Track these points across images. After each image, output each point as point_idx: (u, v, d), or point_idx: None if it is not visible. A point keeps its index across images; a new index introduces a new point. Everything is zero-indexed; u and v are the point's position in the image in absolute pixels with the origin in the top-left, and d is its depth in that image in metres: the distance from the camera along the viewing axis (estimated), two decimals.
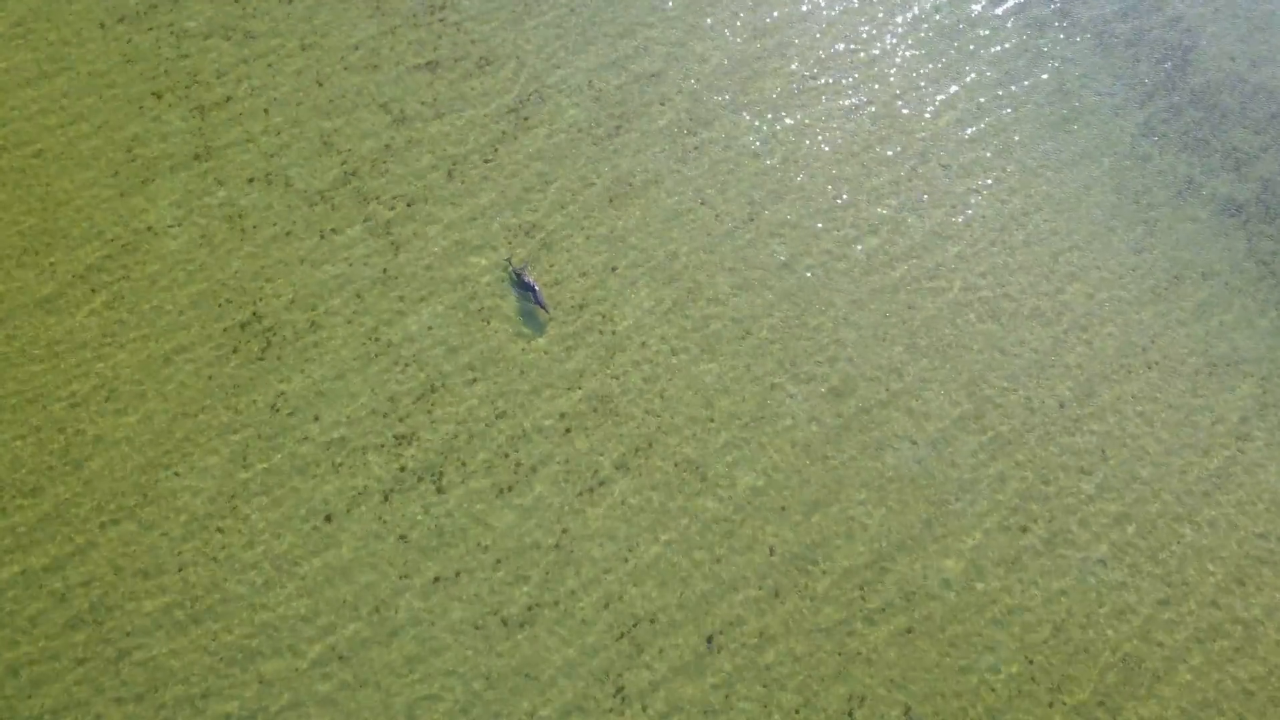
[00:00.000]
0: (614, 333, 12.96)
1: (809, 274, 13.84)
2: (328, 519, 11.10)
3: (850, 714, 10.60)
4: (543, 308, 12.78)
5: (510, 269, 13.11)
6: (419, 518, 11.22)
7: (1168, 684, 11.19)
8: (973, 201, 15.01)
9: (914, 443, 12.55)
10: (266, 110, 14.24)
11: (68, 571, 10.37)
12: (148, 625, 10.16)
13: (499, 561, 11.08)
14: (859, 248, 14.21)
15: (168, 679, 9.90)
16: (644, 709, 10.35)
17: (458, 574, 10.94)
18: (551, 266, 13.42)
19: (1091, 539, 12.08)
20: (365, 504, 11.25)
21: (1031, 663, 11.14)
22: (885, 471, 12.26)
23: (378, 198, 13.66)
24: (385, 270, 13.05)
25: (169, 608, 10.29)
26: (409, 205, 13.65)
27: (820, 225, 14.35)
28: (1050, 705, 10.87)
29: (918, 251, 14.32)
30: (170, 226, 12.99)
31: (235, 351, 12.10)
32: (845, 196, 14.71)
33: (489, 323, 12.81)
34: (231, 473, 11.23)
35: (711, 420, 12.41)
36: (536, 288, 12.90)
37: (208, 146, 13.75)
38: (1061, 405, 13.15)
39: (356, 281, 12.91)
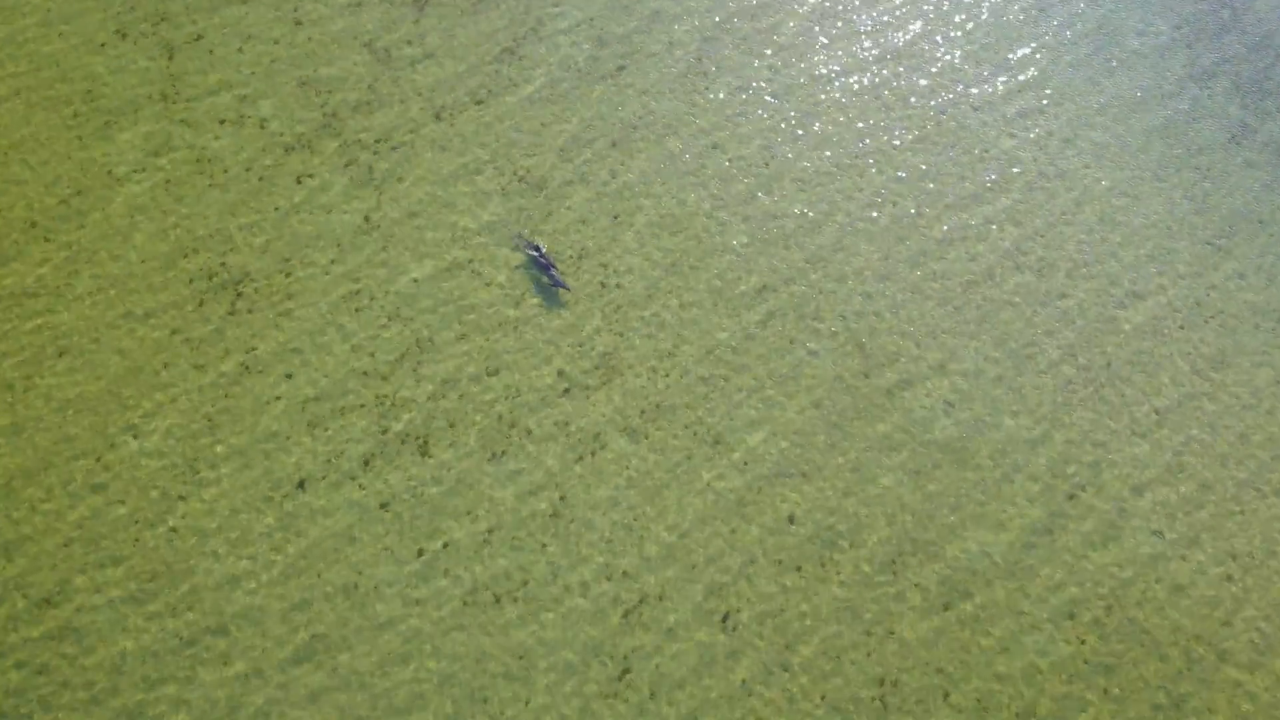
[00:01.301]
0: (619, 286, 11.86)
1: (832, 226, 12.68)
2: (301, 486, 10.05)
3: (882, 700, 9.51)
4: (562, 286, 11.60)
5: (523, 244, 11.92)
6: (402, 484, 10.16)
7: (1233, 666, 10.05)
8: (1008, 148, 13.81)
9: (949, 405, 11.41)
10: (240, 49, 13.14)
11: (10, 548, 9.36)
12: (99, 603, 9.14)
13: (490, 532, 10.01)
14: (885, 198, 13.05)
15: (124, 661, 8.89)
16: (651, 696, 9.29)
17: (445, 546, 9.88)
18: (549, 215, 12.31)
19: (1149, 508, 10.93)
20: (343, 470, 10.19)
21: (1083, 643, 10.02)
22: (918, 435, 11.14)
23: (360, 142, 12.57)
24: (367, 219, 11.97)
25: (123, 581, 9.27)
26: (394, 150, 12.56)
27: (843, 176, 13.18)
28: (1105, 691, 9.76)
29: (950, 203, 13.14)
30: (133, 172, 11.92)
31: (201, 305, 11.04)
32: (868, 143, 13.54)
33: (480, 275, 11.72)
34: (195, 435, 10.18)
35: (725, 380, 11.31)
36: (553, 268, 11.65)
37: (175, 88, 12.67)
38: (1109, 364, 11.98)
39: (336, 232, 11.83)
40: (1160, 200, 13.61)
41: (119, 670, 8.83)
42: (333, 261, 11.57)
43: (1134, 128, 14.40)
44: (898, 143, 13.61)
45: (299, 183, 12.09)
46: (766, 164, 13.16)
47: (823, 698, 9.44)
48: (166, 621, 9.14)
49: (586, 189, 12.58)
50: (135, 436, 10.08)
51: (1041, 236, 12.96)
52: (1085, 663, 9.89)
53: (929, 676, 9.67)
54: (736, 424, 10.98)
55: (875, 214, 12.86)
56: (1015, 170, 13.57)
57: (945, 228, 12.88)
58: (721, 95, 13.79)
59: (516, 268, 11.82)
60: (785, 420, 11.09)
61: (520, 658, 9.37)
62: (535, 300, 11.61)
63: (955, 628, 9.98)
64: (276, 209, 11.86)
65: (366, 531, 9.85)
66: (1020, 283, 12.50)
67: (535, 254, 11.70)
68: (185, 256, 11.35)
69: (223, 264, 11.35)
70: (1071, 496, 10.91)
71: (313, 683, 9.00)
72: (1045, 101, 14.47)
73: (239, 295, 11.14)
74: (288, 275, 11.38)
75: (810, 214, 12.80)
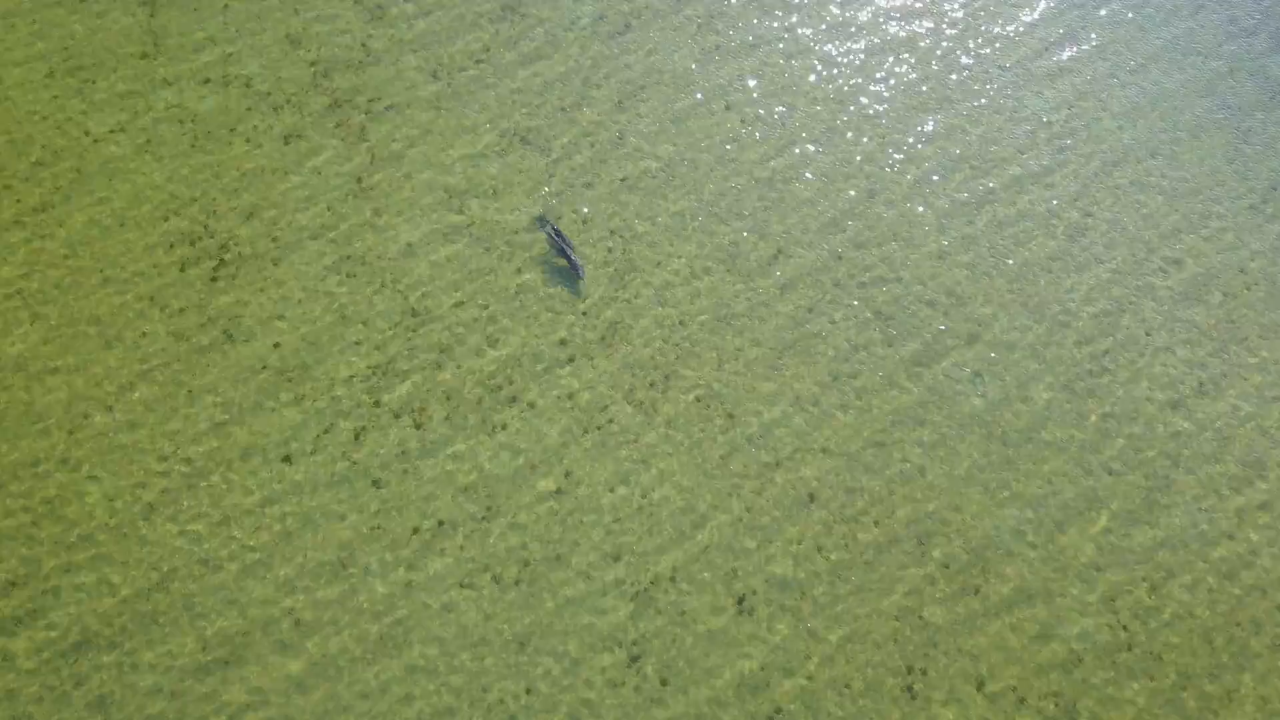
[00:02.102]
0: (625, 252, 11.17)
1: (852, 190, 11.97)
2: (287, 460, 9.40)
3: (910, 689, 8.85)
4: (575, 272, 10.79)
5: (547, 227, 11.08)
6: (395, 459, 9.51)
7: None
8: (1038, 108, 13.05)
9: (978, 375, 10.71)
10: (225, 4, 12.45)
11: None
12: (67, 585, 8.51)
13: (490, 510, 9.36)
14: (908, 160, 12.32)
15: (94, 639, 8.27)
16: (663, 684, 8.64)
17: (441, 524, 9.23)
18: (551, 178, 11.61)
19: (1196, 485, 10.22)
20: (332, 443, 9.54)
21: (1125, 629, 9.34)
22: (945, 407, 10.44)
23: (351, 102, 11.88)
24: (360, 182, 11.29)
25: (95, 563, 8.64)
26: (387, 111, 11.87)
27: (863, 137, 12.45)
28: (1151, 678, 9.07)
29: (978, 165, 12.40)
30: (112, 132, 11.26)
31: (183, 271, 10.39)
32: (888, 104, 12.80)
33: (479, 241, 11.04)
34: (175, 408, 9.54)
35: (739, 350, 10.62)
36: (571, 250, 10.81)
37: (156, 45, 11.99)
38: (1149, 333, 11.26)
39: (326, 195, 11.16)
40: (1199, 163, 12.85)
41: (80, 649, 8.22)
42: (323, 226, 10.90)
43: (1170, 87, 13.63)
44: (921, 102, 12.87)
45: (287, 144, 11.42)
46: (782, 124, 12.44)
47: (846, 686, 8.78)
48: (139, 605, 8.51)
49: (591, 151, 11.88)
50: (109, 409, 9.45)
51: (1075, 201, 12.22)
52: (1128, 650, 9.21)
53: (960, 663, 9.00)
54: (752, 396, 10.29)
55: (898, 177, 12.14)
56: (1046, 132, 12.82)
57: (972, 191, 12.15)
58: (733, 55, 13.06)
59: (517, 232, 11.14)
60: (803, 392, 10.40)
61: (522, 644, 8.72)
62: (538, 267, 10.92)
63: (988, 612, 9.30)
64: (263, 171, 11.19)
65: (356, 509, 9.20)
66: (1053, 249, 11.78)
67: (554, 236, 10.91)
68: (166, 220, 10.69)
69: (205, 228, 10.69)
70: (1111, 472, 10.21)
71: (296, 670, 8.37)
72: (1077, 60, 13.71)
73: (222, 261, 10.48)
74: (274, 240, 10.72)
75: (828, 177, 12.08)
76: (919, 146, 12.46)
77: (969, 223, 11.85)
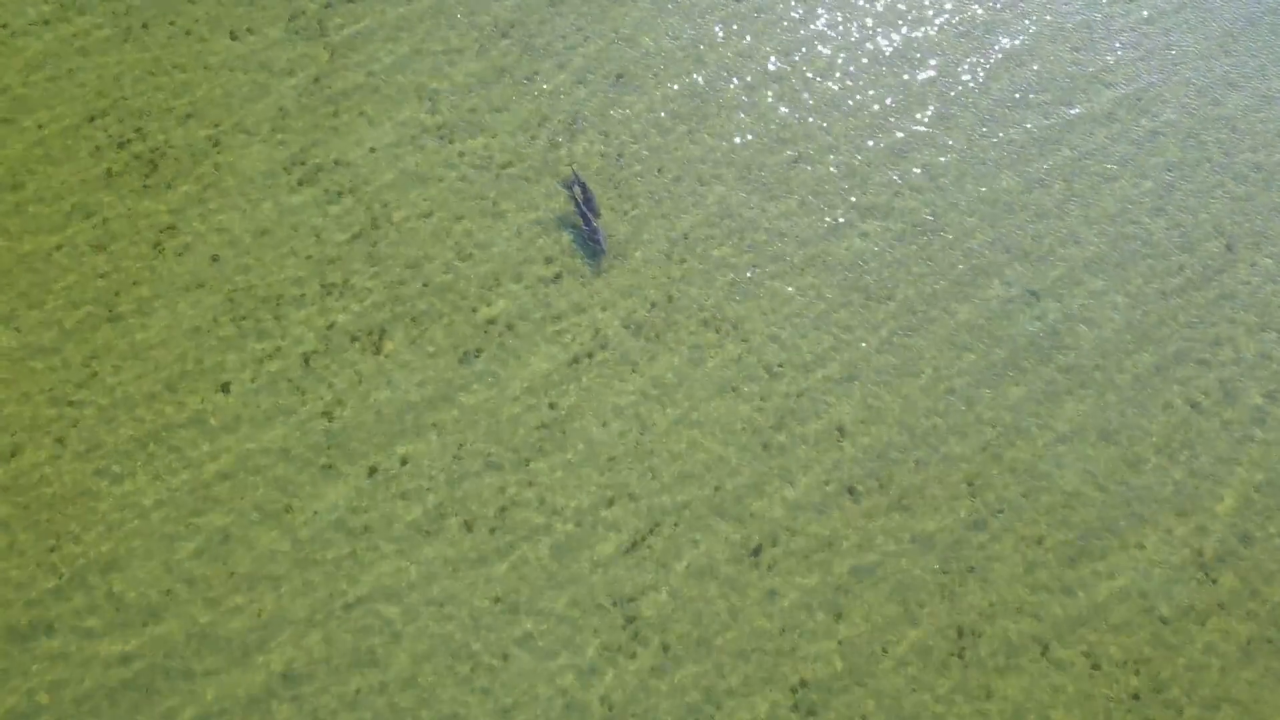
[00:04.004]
0: (622, 157, 9.67)
1: (883, 86, 10.39)
2: (224, 389, 8.03)
3: (961, 654, 7.43)
4: (597, 244, 8.95)
5: (574, 186, 9.20)
6: (351, 389, 8.13)
7: None
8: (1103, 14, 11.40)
9: (1033, 295, 9.18)
10: None
11: None
12: None
13: (462, 446, 7.97)
14: (940, 50, 10.71)
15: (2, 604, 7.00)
16: (664, 649, 7.27)
17: (404, 462, 7.86)
18: (535, 75, 10.10)
19: None
20: (276, 370, 8.15)
21: (1216, 583, 7.87)
22: (993, 330, 8.94)
23: None
24: (317, 80, 9.83)
25: None
26: (348, 0, 10.39)
27: (904, 24, 10.84)
28: (1245, 647, 7.61)
29: (1013, 70, 10.78)
30: (32, 25, 9.84)
31: (110, 175, 8.99)
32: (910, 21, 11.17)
33: (452, 144, 9.57)
34: (94, 327, 8.18)
35: (755, 265, 9.13)
36: (596, 217, 9.03)
37: None
38: (1230, 248, 9.67)
39: (276, 92, 9.70)
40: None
41: None
42: (273, 130, 9.46)
43: None
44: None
45: (234, 38, 9.95)
46: (801, 4, 10.85)
47: (883, 650, 7.37)
48: (48, 559, 7.20)
49: (584, 45, 10.35)
50: (18, 330, 8.10)
51: (1139, 98, 10.58)
52: (1220, 607, 7.74)
53: (1020, 624, 7.57)
54: (769, 319, 8.82)
55: (933, 69, 10.55)
56: (1100, 32, 11.15)
57: (1018, 79, 10.54)
58: None
59: (496, 136, 9.66)
60: (829, 314, 8.91)
61: (497, 601, 7.36)
62: (516, 171, 9.45)
63: (1052, 565, 7.85)
64: (206, 68, 9.75)
65: (304, 444, 7.82)
66: (1121, 154, 10.18)
67: (578, 197, 9.09)
68: (91, 121, 9.28)
69: (138, 130, 9.27)
70: (1194, 405, 8.69)
71: (231, 631, 7.05)
72: None
73: (155, 167, 9.07)
74: (216, 144, 9.30)
75: (855, 71, 10.50)
76: (958, 41, 10.83)
77: (1018, 122, 10.24)
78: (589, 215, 9.00)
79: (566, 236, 9.10)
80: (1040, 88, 10.56)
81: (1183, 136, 10.33)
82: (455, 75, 10.00)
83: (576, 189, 9.16)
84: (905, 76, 10.50)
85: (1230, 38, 11.15)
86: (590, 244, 8.98)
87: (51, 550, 7.24)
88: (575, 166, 9.40)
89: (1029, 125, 10.27)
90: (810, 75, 10.43)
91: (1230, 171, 10.12)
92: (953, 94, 10.43)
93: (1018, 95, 10.49)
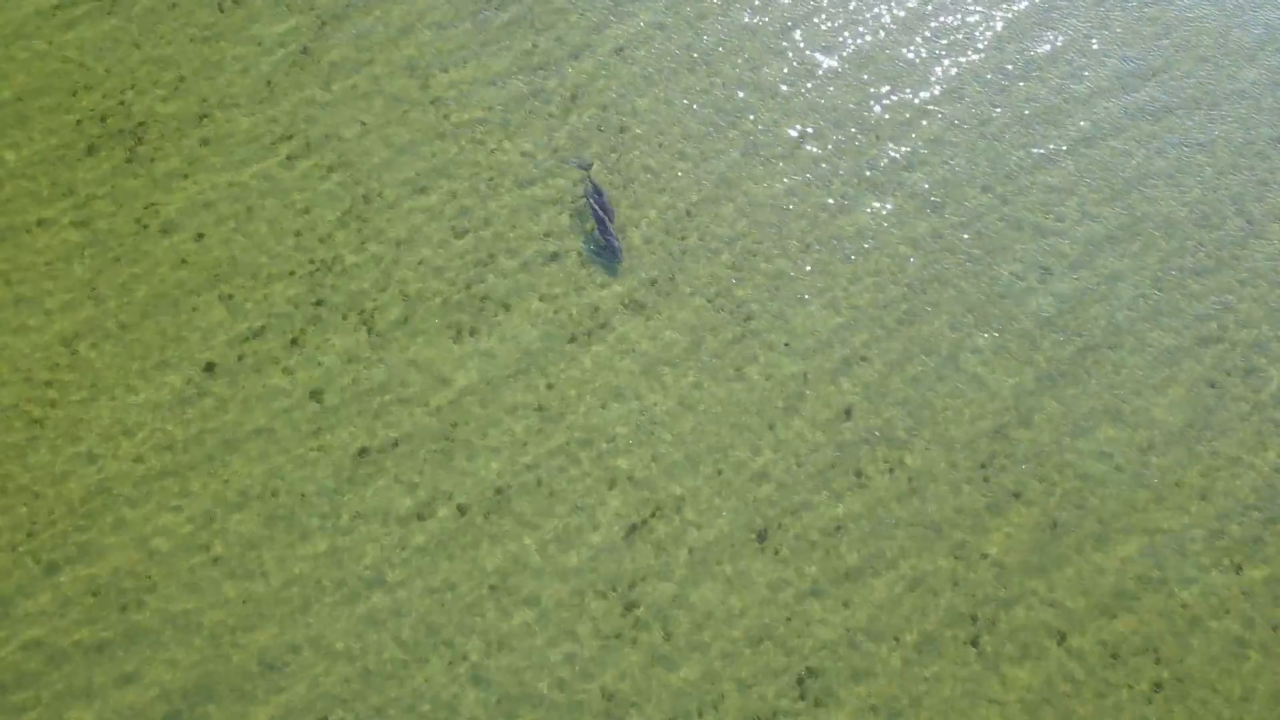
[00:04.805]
0: (623, 130, 9.36)
1: (896, 57, 10.07)
2: (208, 370, 7.74)
3: (973, 641, 7.14)
4: (613, 249, 8.51)
5: (589, 189, 8.74)
6: (340, 368, 7.84)
7: None
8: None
9: (1046, 271, 8.87)
10: None
11: None
12: None
13: (455, 427, 7.68)
14: (952, 18, 10.38)
15: None
16: (666, 636, 6.99)
17: (395, 444, 7.56)
18: (534, 48, 9.79)
19: None
20: (264, 349, 7.85)
21: (1239, 570, 7.57)
22: (1010, 308, 8.64)
23: None
24: (305, 51, 9.51)
25: None
26: None
27: None
28: (1272, 632, 7.32)
29: (1023, 31, 10.45)
30: None
31: (92, 152, 8.69)
32: None
33: (447, 117, 9.26)
34: (76, 305, 7.89)
35: (758, 242, 8.83)
36: (610, 225, 8.55)
37: None
38: (1250, 222, 9.35)
39: (265, 65, 9.39)
40: None
41: None
42: (261, 103, 9.15)
43: None
44: None
45: (220, 10, 9.64)
46: None
47: (895, 639, 7.08)
48: (23, 550, 6.92)
49: (578, 13, 10.03)
50: None
51: (1157, 75, 10.26)
52: (1242, 594, 7.45)
53: (1036, 612, 7.28)
54: (775, 296, 8.52)
55: (943, 38, 10.23)
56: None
57: (1027, 53, 10.22)
58: None
59: (491, 109, 9.35)
60: (838, 292, 8.61)
61: (493, 588, 7.07)
62: (515, 146, 9.14)
63: (1068, 550, 7.55)
64: (192, 41, 9.44)
65: (291, 426, 7.53)
66: (1134, 131, 9.85)
67: (593, 201, 8.61)
68: (74, 95, 8.97)
69: (121, 104, 8.97)
70: (1213, 385, 8.38)
71: (215, 620, 6.77)
72: None
73: (139, 141, 8.77)
74: (203, 118, 8.99)
75: (866, 36, 10.19)
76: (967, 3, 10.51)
77: (1030, 97, 9.92)
78: (606, 221, 8.56)
79: (565, 214, 8.79)
80: (1050, 64, 10.23)
81: (1203, 110, 10.00)
82: (449, 48, 9.68)
83: (592, 196, 8.68)
84: (912, 53, 10.18)
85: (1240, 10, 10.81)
86: (606, 250, 8.55)
87: (30, 535, 6.96)
88: (590, 172, 8.94)
89: (1039, 99, 9.95)
90: (813, 51, 10.11)
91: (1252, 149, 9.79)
92: (963, 67, 10.11)
93: (1031, 70, 10.16)
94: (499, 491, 7.43)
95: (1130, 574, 7.47)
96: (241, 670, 6.61)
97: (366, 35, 9.64)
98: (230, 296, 8.06)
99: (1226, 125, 9.91)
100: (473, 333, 8.11)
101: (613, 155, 9.16)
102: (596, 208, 8.61)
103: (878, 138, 9.54)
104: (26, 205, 8.35)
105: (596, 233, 8.61)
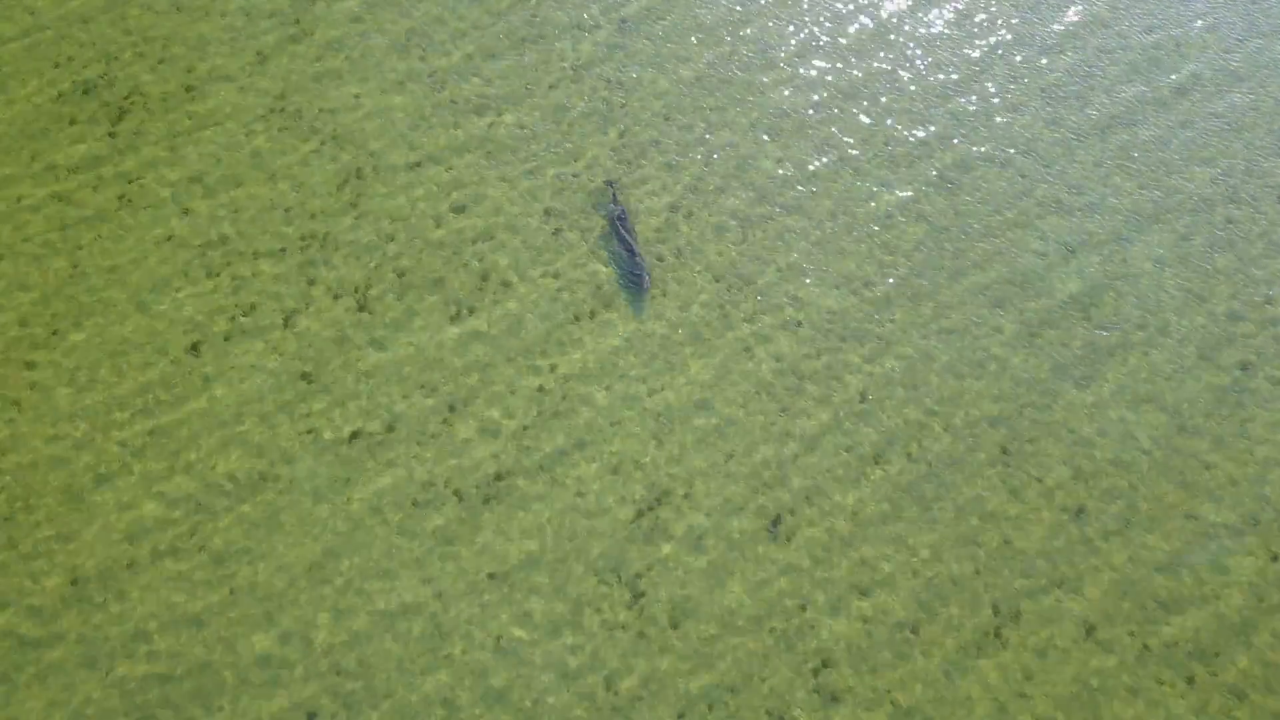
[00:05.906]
0: (625, 105, 9.01)
1: (908, 30, 9.69)
2: (194, 349, 7.41)
3: (998, 633, 6.81)
4: (641, 279, 7.91)
5: (610, 205, 8.27)
6: (333, 349, 7.51)
7: None
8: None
9: (1069, 250, 8.52)
10: None
11: None
12: None
13: (452, 410, 7.35)
14: None
15: None
16: (673, 627, 6.67)
17: (390, 427, 7.24)
18: (535, 19, 9.42)
19: None
20: (253, 328, 7.54)
21: (1276, 558, 7.23)
22: (1032, 289, 8.28)
23: None
24: (299, 22, 9.18)
25: None
26: None
27: None
28: None
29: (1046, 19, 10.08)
30: None
31: (73, 124, 8.35)
32: None
33: (444, 90, 8.92)
34: (54, 283, 7.56)
35: (769, 221, 8.49)
36: (635, 248, 7.97)
37: None
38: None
39: (257, 37, 9.05)
40: None
41: None
42: (252, 75, 8.82)
43: None
44: None
45: None
46: None
47: (914, 631, 6.76)
48: (1, 538, 6.60)
49: None
50: None
51: (1178, 48, 9.88)
52: (1277, 582, 7.11)
53: (1063, 603, 6.94)
54: (787, 275, 8.18)
55: (958, 7, 9.86)
56: None
57: (1044, 28, 9.85)
58: None
59: (491, 82, 9.00)
60: (852, 270, 8.26)
61: (492, 576, 6.75)
62: (515, 120, 8.80)
63: (1095, 538, 7.22)
64: (179, 9, 9.10)
65: (282, 408, 7.21)
66: (1153, 99, 9.49)
67: (617, 225, 8.08)
68: (56, 67, 8.64)
69: (104, 76, 8.63)
70: (1245, 366, 8.04)
71: (199, 609, 6.45)
72: None
73: (123, 113, 8.44)
74: (190, 90, 8.65)
75: (883, 12, 9.82)
76: None
77: (1049, 69, 9.54)
78: (631, 243, 7.99)
79: (566, 189, 8.44)
80: (1072, 39, 9.86)
81: (1231, 83, 9.63)
82: (448, 17, 9.34)
83: (616, 219, 8.12)
84: (927, 30, 9.82)
85: None
86: (633, 276, 7.92)
87: (7, 519, 6.65)
88: (615, 189, 8.39)
89: (1064, 74, 9.58)
90: (832, 26, 9.74)
91: None
92: (983, 45, 9.74)
93: (1055, 46, 9.80)
94: (499, 477, 7.10)
95: (1160, 562, 7.13)
96: (231, 665, 6.30)
97: (363, 5, 9.29)
98: (217, 273, 7.72)
99: (1261, 100, 9.54)
100: (472, 312, 7.78)
101: (617, 133, 8.80)
102: (621, 231, 8.03)
103: (892, 110, 9.17)
104: (6, 180, 8.01)
105: (622, 255, 8.00)
